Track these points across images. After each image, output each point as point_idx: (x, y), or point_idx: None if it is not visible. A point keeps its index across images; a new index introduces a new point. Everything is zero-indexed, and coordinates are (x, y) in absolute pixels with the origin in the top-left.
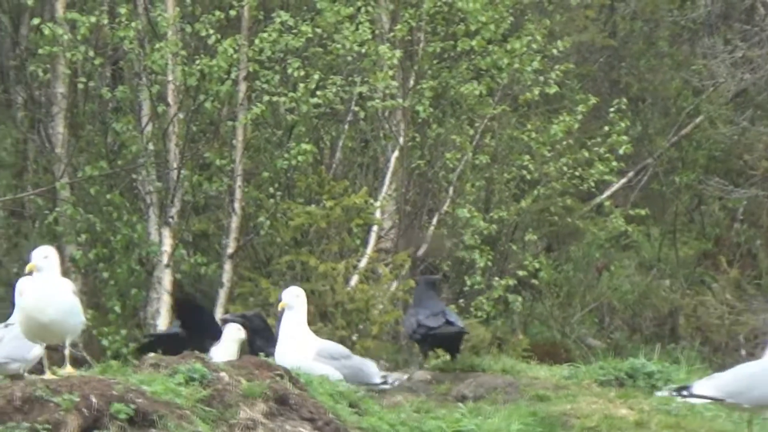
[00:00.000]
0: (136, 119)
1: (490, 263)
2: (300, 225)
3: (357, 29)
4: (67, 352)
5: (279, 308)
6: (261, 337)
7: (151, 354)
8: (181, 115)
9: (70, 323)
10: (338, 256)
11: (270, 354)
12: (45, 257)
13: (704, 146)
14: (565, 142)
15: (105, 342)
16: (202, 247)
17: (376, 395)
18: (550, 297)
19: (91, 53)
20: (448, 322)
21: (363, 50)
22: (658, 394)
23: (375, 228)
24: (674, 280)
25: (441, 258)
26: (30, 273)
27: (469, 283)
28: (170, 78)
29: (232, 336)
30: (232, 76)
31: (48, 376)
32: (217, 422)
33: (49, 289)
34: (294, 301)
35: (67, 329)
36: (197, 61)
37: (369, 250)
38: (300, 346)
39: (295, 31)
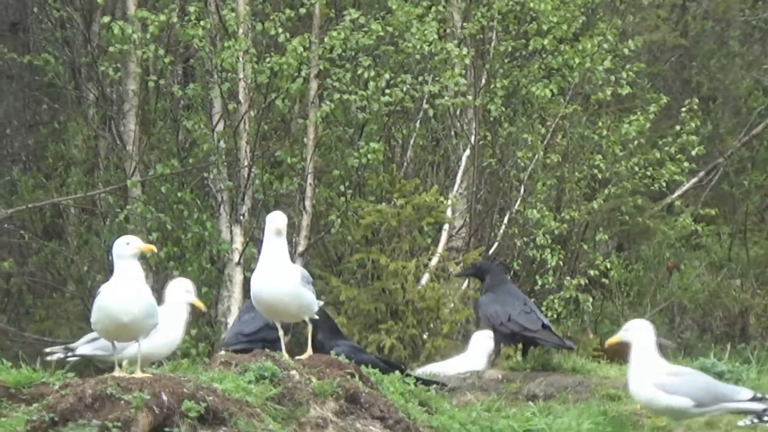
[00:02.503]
0: (207, 117)
1: (561, 262)
2: (371, 223)
3: (425, 28)
4: (139, 351)
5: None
6: (324, 332)
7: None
8: (252, 113)
9: (148, 323)
10: (409, 255)
11: (332, 348)
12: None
13: None
14: (636, 142)
15: None
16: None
17: (446, 393)
18: (620, 296)
19: (162, 52)
20: (545, 327)
21: (432, 49)
22: (740, 424)
23: (446, 226)
24: (744, 280)
25: (510, 257)
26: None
27: (540, 282)
28: (241, 76)
29: None
30: (303, 73)
31: (118, 373)
32: (287, 420)
33: (132, 288)
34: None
35: (144, 329)
36: (267, 59)
37: (440, 248)
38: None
39: (365, 29)
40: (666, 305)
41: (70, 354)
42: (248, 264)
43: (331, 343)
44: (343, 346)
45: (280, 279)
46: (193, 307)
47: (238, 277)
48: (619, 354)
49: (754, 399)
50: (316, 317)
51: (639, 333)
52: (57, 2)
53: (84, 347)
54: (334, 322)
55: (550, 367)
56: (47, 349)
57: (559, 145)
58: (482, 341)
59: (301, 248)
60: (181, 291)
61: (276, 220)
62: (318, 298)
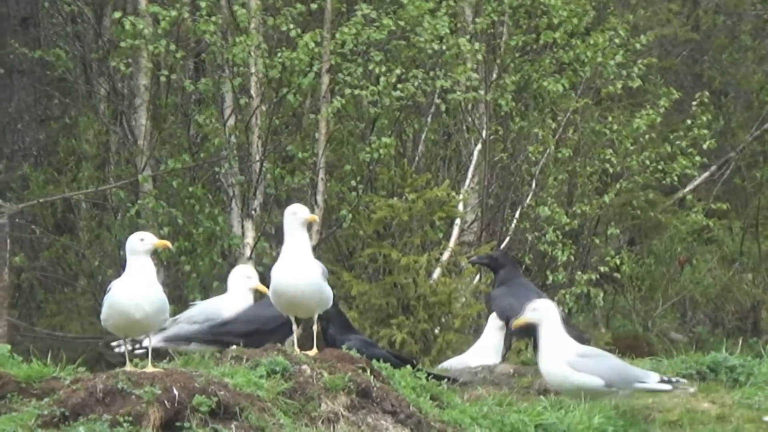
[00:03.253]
0: (219, 112)
1: (572, 257)
2: (382, 218)
3: (436, 23)
4: (150, 345)
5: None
6: (335, 326)
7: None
8: (263, 108)
9: (159, 320)
10: (420, 249)
11: (344, 342)
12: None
13: None
14: (647, 136)
15: None
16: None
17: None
18: (632, 291)
19: (173, 47)
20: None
21: (443, 46)
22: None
23: (457, 221)
24: (756, 274)
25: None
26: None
27: (551, 277)
28: (252, 70)
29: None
30: (314, 68)
31: (129, 368)
32: (298, 415)
33: (143, 285)
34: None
35: (155, 325)
36: (279, 54)
37: (451, 243)
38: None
39: (377, 24)
40: (677, 299)
41: (137, 346)
42: (260, 258)
43: (343, 338)
44: (355, 340)
45: (304, 273)
46: (257, 292)
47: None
48: (632, 349)
49: (661, 381)
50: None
51: (546, 312)
52: None
53: (154, 338)
54: (346, 316)
55: None
56: (114, 343)
57: (570, 140)
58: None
59: (312, 243)
60: (244, 278)
61: (302, 212)
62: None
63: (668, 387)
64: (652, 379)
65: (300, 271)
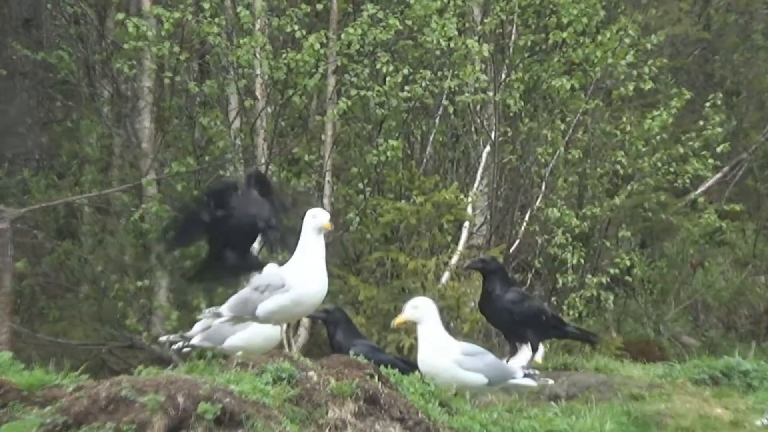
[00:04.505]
0: (224, 114)
1: (582, 260)
2: (390, 221)
3: (444, 23)
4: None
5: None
6: (342, 331)
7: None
8: (269, 110)
9: None
10: (429, 253)
11: (350, 348)
12: None
13: None
14: (659, 137)
15: None
16: (291, 244)
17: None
18: (643, 294)
19: (177, 48)
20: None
21: (450, 45)
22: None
23: (466, 224)
24: None
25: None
26: None
27: (561, 281)
28: (258, 72)
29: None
30: (320, 70)
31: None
32: (305, 422)
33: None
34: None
35: None
36: (284, 55)
37: (460, 246)
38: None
39: (383, 24)
40: (690, 303)
41: (187, 344)
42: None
43: (349, 343)
44: (362, 346)
45: (323, 281)
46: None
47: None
48: (644, 353)
49: (526, 375)
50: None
51: (425, 310)
52: None
53: (196, 338)
54: (352, 322)
55: (573, 367)
56: (162, 338)
57: (580, 141)
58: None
59: None
60: (311, 219)
61: (320, 217)
62: (335, 297)
63: (532, 382)
64: (519, 374)
65: (321, 279)
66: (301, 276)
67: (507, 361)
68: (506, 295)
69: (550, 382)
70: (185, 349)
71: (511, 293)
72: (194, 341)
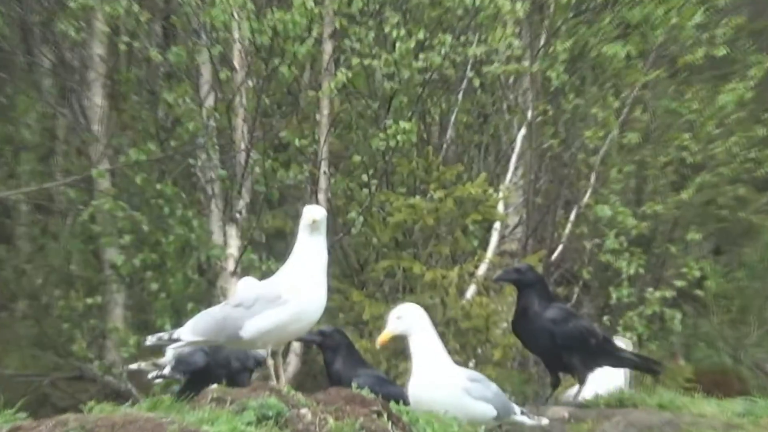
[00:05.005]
0: (194, 89)
1: (642, 270)
2: (401, 222)
3: None
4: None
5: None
6: (342, 359)
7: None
8: (250, 83)
9: None
10: (450, 261)
11: (351, 380)
12: None
13: None
14: (735, 116)
15: None
16: (278, 250)
17: None
18: (718, 312)
19: (135, 7)
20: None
21: (476, 2)
22: None
23: (497, 225)
24: None
25: (579, 264)
26: None
27: (615, 296)
28: (236, 36)
29: None
30: (314, 33)
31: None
32: None
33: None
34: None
35: None
36: (269, 16)
37: (490, 253)
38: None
39: None
40: None
41: (159, 374)
42: (246, 273)
43: (352, 373)
44: (366, 376)
45: (322, 294)
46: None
47: (233, 290)
48: (720, 385)
49: (522, 413)
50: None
51: (413, 319)
52: None
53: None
54: (355, 347)
55: (630, 403)
56: (133, 366)
57: (638, 122)
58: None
59: None
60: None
61: (310, 213)
62: (336, 315)
63: (529, 420)
64: (516, 410)
65: (322, 293)
66: (300, 286)
67: (550, 396)
68: (546, 313)
69: (545, 421)
70: (157, 380)
71: (553, 310)
72: (167, 371)
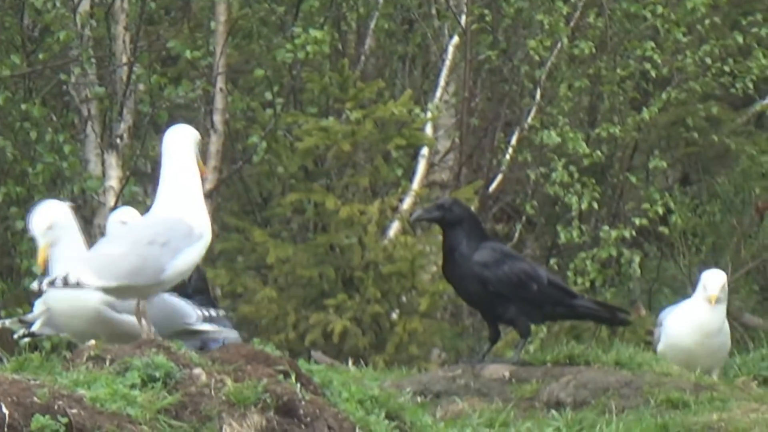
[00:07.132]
0: None
1: (595, 205)
2: (312, 148)
3: None
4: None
5: None
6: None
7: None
8: None
9: None
10: (370, 194)
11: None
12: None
13: None
14: (708, 21)
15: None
16: None
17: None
18: (686, 253)
19: None
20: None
21: None
22: None
23: (424, 151)
24: None
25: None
26: None
27: (563, 235)
28: None
29: None
30: None
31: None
32: None
33: None
34: None
35: None
36: None
37: (416, 184)
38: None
39: None
40: (755, 265)
41: (27, 332)
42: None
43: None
44: (485, 249)
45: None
46: None
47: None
48: None
49: (207, 320)
50: None
51: (60, 219)
52: None
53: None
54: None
55: (582, 360)
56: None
57: (592, 29)
58: None
59: (207, 186)
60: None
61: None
62: (234, 259)
63: (215, 327)
64: (194, 317)
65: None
66: (205, 215)
67: (487, 352)
68: (475, 255)
69: (234, 334)
70: (24, 339)
71: (484, 251)
72: (35, 327)
